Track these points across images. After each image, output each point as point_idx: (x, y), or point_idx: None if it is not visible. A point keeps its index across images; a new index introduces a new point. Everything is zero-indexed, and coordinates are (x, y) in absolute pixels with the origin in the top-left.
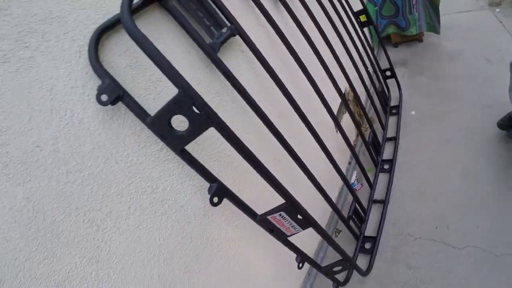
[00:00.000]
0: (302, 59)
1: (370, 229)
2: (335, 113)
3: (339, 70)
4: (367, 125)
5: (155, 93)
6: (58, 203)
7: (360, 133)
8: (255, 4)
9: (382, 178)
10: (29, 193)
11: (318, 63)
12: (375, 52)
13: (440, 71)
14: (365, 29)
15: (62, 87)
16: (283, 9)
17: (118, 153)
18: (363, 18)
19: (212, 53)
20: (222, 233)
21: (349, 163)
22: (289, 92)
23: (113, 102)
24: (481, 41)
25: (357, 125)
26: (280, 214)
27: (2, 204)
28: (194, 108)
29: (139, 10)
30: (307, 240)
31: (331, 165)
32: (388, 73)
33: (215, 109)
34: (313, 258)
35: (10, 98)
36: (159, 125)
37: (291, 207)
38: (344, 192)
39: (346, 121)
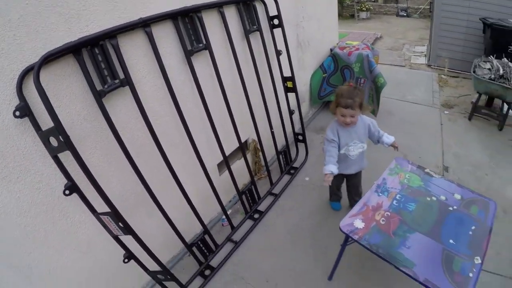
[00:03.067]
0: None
1: (216, 261)
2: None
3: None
4: (261, 175)
5: (58, 106)
6: None
7: (234, 184)
8: (157, 62)
9: (249, 224)
10: None
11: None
12: (314, 114)
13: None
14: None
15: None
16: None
17: (20, 144)
18: (289, 84)
19: (97, 98)
20: (77, 215)
21: (230, 201)
22: (158, 139)
23: (22, 117)
24: (409, 137)
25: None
26: (107, 217)
27: None
28: (60, 137)
29: (59, 57)
30: (163, 248)
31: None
32: (300, 137)
33: (94, 131)
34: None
35: None
36: (43, 137)
37: (114, 216)
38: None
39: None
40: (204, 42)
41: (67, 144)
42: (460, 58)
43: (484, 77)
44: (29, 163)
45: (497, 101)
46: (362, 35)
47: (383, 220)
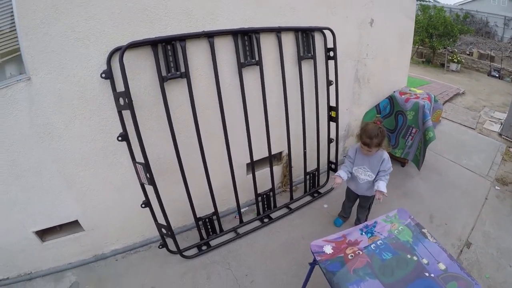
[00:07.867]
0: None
1: (215, 242)
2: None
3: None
4: (286, 188)
5: (132, 78)
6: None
7: (254, 186)
8: (213, 66)
9: (256, 224)
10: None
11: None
12: None
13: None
14: None
15: (95, 61)
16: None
17: (99, 96)
18: (333, 113)
19: (161, 82)
20: (121, 158)
21: (251, 200)
22: (198, 125)
23: (105, 78)
24: (446, 201)
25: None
26: (141, 166)
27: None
28: (126, 99)
29: (141, 45)
30: (179, 214)
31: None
32: (333, 166)
33: (153, 103)
34: (175, 228)
35: (74, 54)
36: (115, 96)
37: (145, 166)
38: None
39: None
40: (257, 58)
41: (129, 106)
42: None
43: None
44: (101, 110)
45: None
46: (444, 86)
47: (351, 256)
